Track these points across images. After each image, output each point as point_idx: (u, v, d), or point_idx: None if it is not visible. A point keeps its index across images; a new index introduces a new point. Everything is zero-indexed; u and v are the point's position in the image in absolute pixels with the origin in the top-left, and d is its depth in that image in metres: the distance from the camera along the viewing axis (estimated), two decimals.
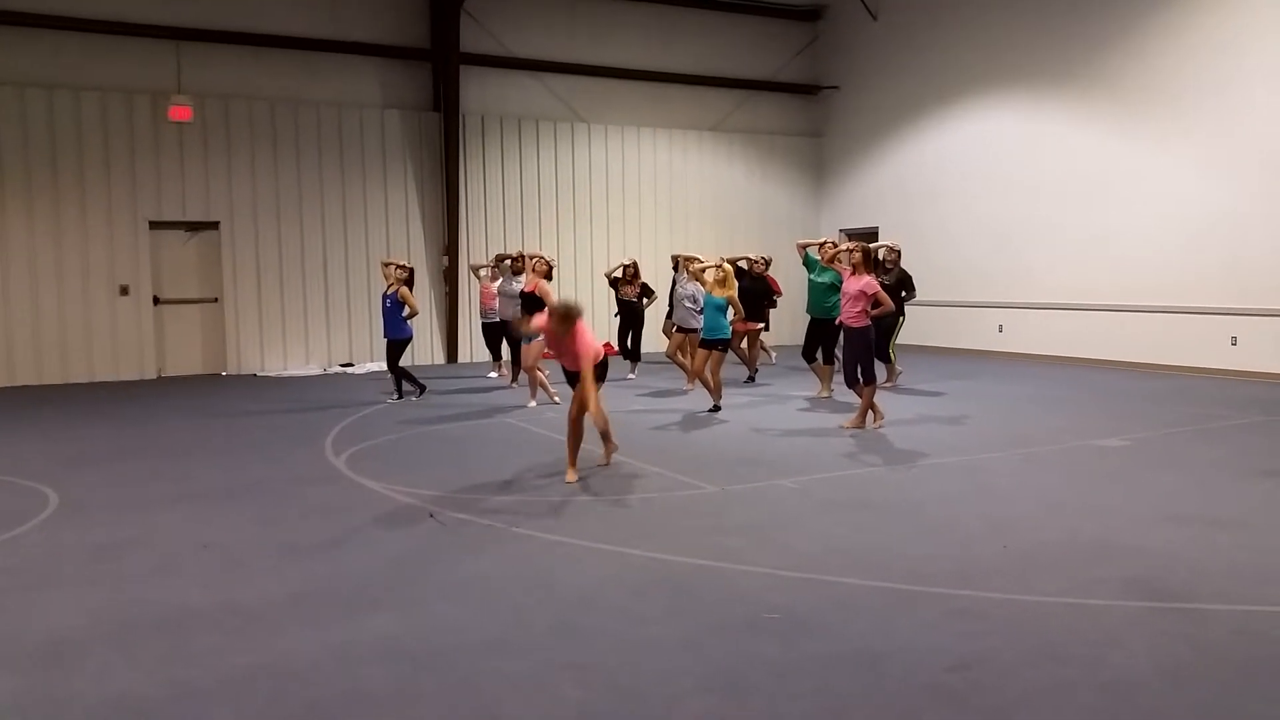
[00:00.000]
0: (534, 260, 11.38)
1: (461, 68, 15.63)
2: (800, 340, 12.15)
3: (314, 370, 14.94)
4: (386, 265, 11.70)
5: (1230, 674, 3.75)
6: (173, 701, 3.58)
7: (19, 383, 13.33)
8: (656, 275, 15.09)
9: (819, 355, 11.39)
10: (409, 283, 11.47)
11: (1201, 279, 12.92)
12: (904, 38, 17.24)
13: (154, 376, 14.14)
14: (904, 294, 11.91)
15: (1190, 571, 4.95)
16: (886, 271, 11.70)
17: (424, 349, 15.26)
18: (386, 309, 11.42)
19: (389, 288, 11.44)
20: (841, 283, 9.67)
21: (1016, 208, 15.41)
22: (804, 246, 11.45)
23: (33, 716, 3.50)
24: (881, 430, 8.99)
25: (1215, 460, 7.67)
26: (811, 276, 11.26)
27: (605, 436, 7.50)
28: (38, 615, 4.49)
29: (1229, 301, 12.66)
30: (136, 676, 3.81)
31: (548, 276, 11.35)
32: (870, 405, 9.11)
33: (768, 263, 13.50)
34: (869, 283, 9.08)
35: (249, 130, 14.59)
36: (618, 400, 11.37)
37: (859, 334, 9.14)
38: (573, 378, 7.34)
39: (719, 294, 10.50)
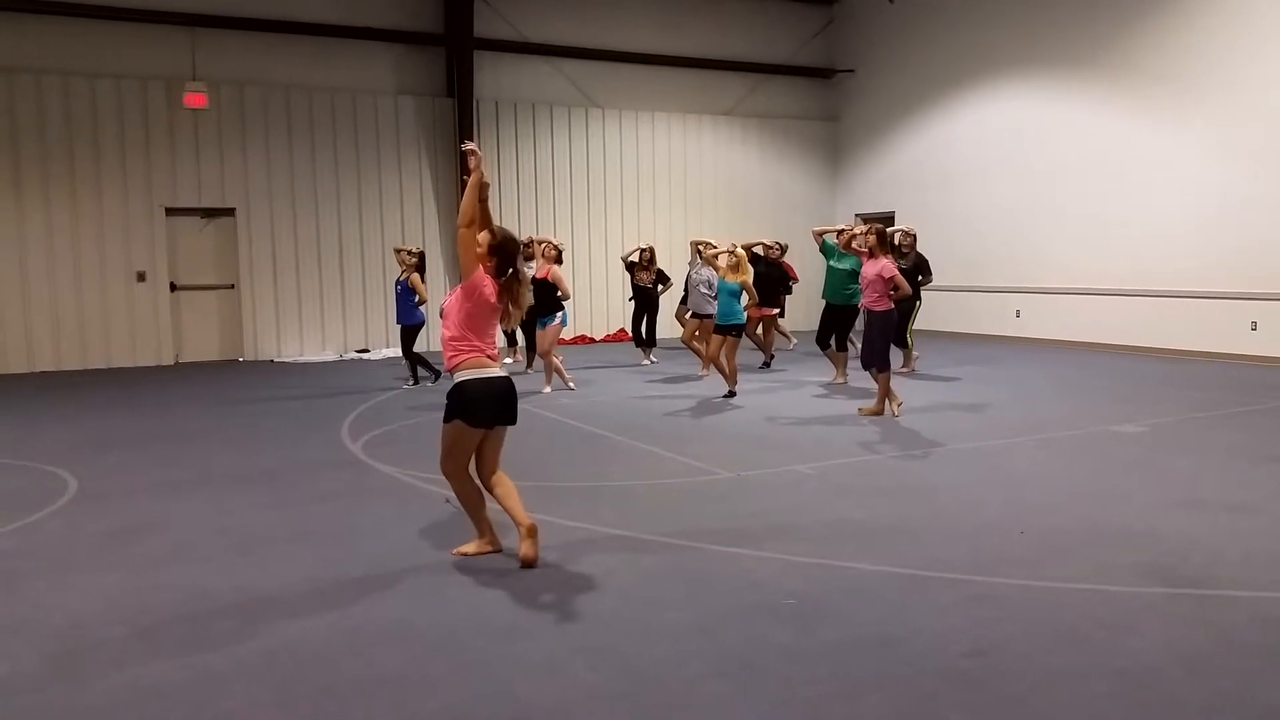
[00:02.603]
0: (543, 246, 11.35)
1: (475, 53, 15.60)
2: (814, 325, 12.10)
3: (330, 356, 14.99)
4: (398, 252, 11.73)
5: (1247, 660, 3.72)
6: (190, 684, 3.61)
7: (38, 369, 13.43)
8: (671, 261, 15.06)
9: (834, 341, 11.34)
10: (420, 268, 11.49)
11: (1221, 264, 12.80)
12: (920, 21, 17.10)
13: (171, 363, 14.23)
14: (920, 278, 11.85)
15: (1207, 557, 4.92)
16: (903, 256, 11.63)
17: (439, 335, 15.29)
18: (399, 295, 11.47)
19: (401, 274, 11.48)
20: (861, 268, 9.61)
21: (1034, 192, 15.29)
22: (821, 233, 11.38)
23: (53, 699, 3.52)
24: (898, 416, 8.95)
25: (1234, 446, 7.60)
26: (831, 263, 11.20)
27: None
28: (57, 599, 4.53)
29: (1249, 286, 12.54)
30: (155, 659, 3.83)
31: (558, 261, 11.35)
32: (887, 391, 9.07)
33: (783, 248, 13.44)
34: (886, 266, 9.03)
35: (264, 116, 14.62)
36: (633, 386, 11.38)
37: (880, 318, 9.09)
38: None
39: (732, 279, 10.46)
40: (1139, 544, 5.14)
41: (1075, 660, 3.73)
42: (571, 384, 11.00)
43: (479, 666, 3.74)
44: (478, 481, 5.02)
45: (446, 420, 4.86)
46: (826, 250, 11.22)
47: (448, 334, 4.87)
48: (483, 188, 4.95)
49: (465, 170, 5.23)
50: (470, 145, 5.09)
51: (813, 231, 11.67)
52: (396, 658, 3.82)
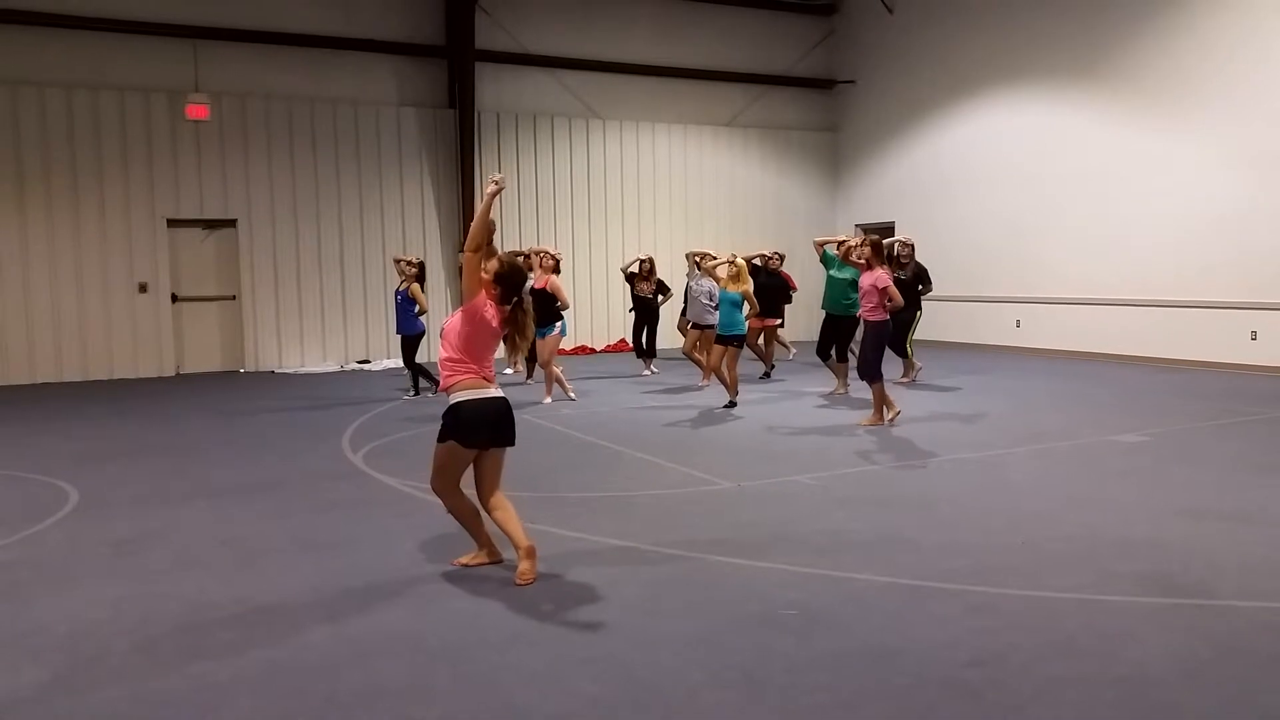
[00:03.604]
0: (541, 256, 11.38)
1: (476, 64, 15.66)
2: (815, 336, 12.12)
3: (331, 367, 15.00)
4: (398, 262, 11.76)
5: (1248, 670, 3.73)
6: (192, 694, 3.62)
7: (39, 380, 13.45)
8: (671, 271, 15.08)
9: (834, 352, 11.35)
10: (420, 278, 11.51)
11: (1221, 273, 12.82)
12: (920, 31, 17.16)
13: (173, 374, 14.24)
14: (920, 288, 11.87)
15: (1208, 567, 4.92)
16: (902, 266, 11.65)
17: (438, 349, 15.31)
18: (399, 305, 11.49)
19: (401, 284, 11.50)
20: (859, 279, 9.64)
21: (1033, 202, 15.32)
22: (822, 244, 11.42)
23: (56, 710, 3.53)
24: (897, 426, 8.96)
25: (1234, 455, 7.61)
26: (831, 273, 11.23)
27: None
28: (60, 609, 4.53)
29: (1249, 296, 12.56)
30: (157, 670, 3.84)
31: (556, 271, 11.39)
32: (884, 400, 9.07)
33: (782, 258, 13.46)
34: (880, 276, 9.06)
35: (266, 128, 14.66)
36: (633, 396, 11.39)
37: (875, 328, 9.12)
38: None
39: (733, 289, 10.49)
40: (1139, 553, 5.15)
41: (1075, 670, 3.73)
42: (572, 394, 11.01)
43: (481, 676, 3.75)
44: (472, 496, 5.01)
45: (440, 440, 4.86)
46: (827, 260, 11.25)
47: (445, 355, 4.87)
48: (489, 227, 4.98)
49: (466, 184, 5.20)
50: (498, 176, 5.07)
51: (814, 242, 11.69)
52: (398, 668, 3.83)
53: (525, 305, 4.97)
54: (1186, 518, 5.83)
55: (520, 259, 10.91)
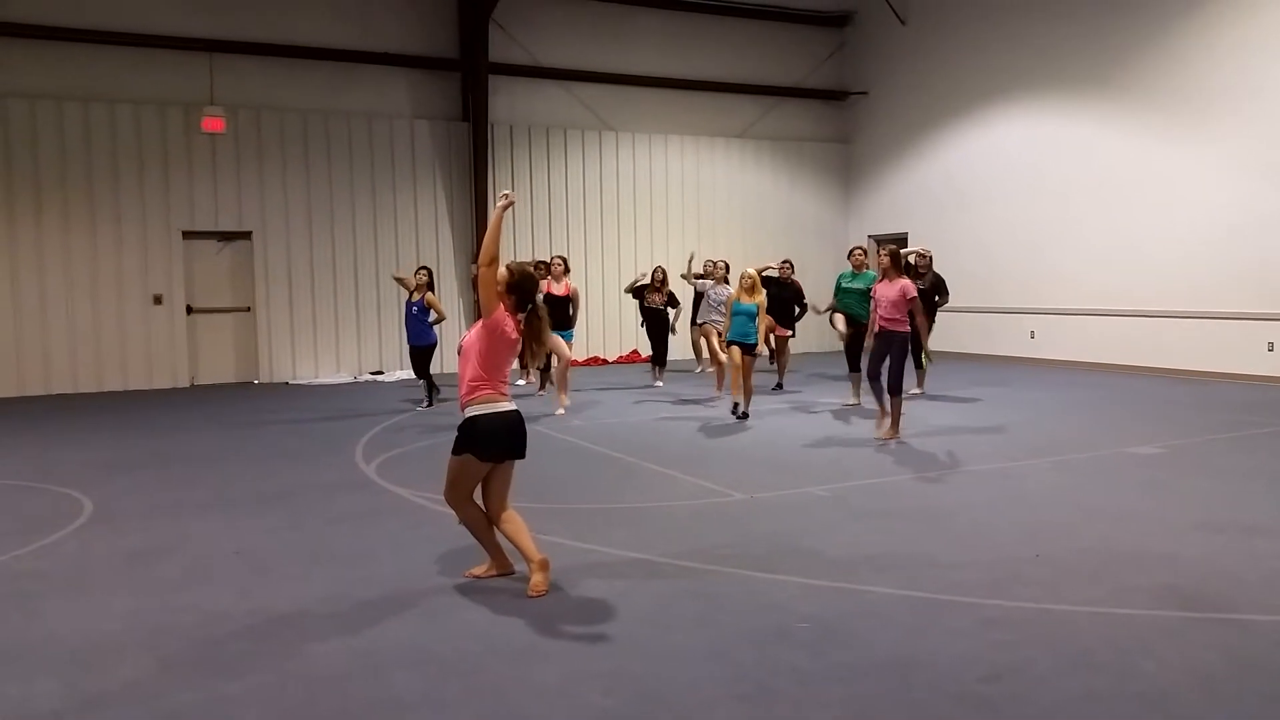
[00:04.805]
0: (554, 264, 11.47)
1: (490, 77, 15.72)
2: (827, 348, 12.08)
3: (345, 378, 15.04)
4: (400, 280, 11.78)
5: (1267, 685, 3.68)
6: (205, 706, 3.61)
7: (55, 391, 13.52)
8: (682, 284, 15.06)
9: (849, 362, 11.34)
10: (430, 287, 11.53)
11: (1236, 284, 12.73)
12: (933, 42, 17.16)
13: (187, 385, 14.29)
14: (937, 299, 11.82)
15: (1226, 581, 4.87)
16: (920, 276, 11.59)
17: (452, 357, 15.33)
18: (412, 316, 11.47)
19: (413, 294, 11.49)
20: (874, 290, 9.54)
21: (1047, 213, 15.27)
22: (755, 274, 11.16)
23: None
24: (910, 438, 8.90)
25: (1252, 468, 7.55)
26: (845, 284, 11.25)
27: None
28: (73, 620, 4.54)
29: (1265, 307, 12.47)
30: (169, 682, 3.84)
31: (566, 273, 11.50)
32: (897, 416, 8.99)
33: (792, 266, 13.46)
34: (907, 285, 8.95)
35: (280, 141, 14.75)
36: (646, 406, 11.38)
37: (902, 340, 8.99)
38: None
39: (748, 301, 10.47)
40: (1156, 567, 5.10)
41: (1092, 684, 3.70)
42: (565, 404, 10.92)
43: (493, 690, 3.73)
44: (482, 506, 5.02)
45: (456, 453, 4.87)
46: (840, 281, 11.34)
47: (463, 369, 4.89)
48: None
49: (480, 197, 5.23)
50: (507, 191, 5.12)
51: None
52: (410, 680, 3.82)
53: (540, 312, 4.99)
54: (1203, 530, 5.78)
55: (534, 268, 10.65)
